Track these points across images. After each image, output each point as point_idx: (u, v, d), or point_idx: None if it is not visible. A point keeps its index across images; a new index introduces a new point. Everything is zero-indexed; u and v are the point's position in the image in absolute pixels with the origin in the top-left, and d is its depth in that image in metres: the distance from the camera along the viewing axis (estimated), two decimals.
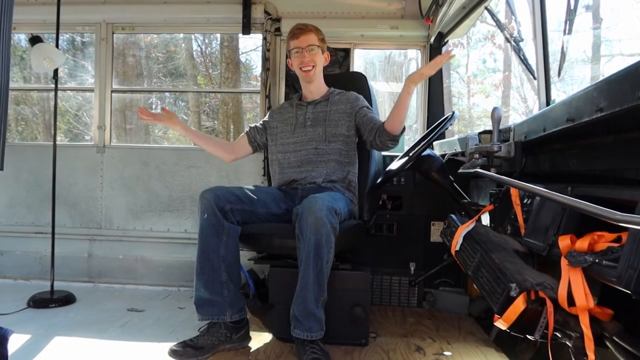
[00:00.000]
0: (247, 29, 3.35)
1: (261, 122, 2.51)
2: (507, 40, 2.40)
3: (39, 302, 2.73)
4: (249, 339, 2.10)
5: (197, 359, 1.92)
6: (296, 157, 2.33)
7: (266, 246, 2.15)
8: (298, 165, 2.32)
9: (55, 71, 2.91)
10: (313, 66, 2.29)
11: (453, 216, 1.84)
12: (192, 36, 8.04)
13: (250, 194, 2.11)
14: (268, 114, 2.54)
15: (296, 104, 2.42)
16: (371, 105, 2.46)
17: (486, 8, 2.63)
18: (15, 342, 2.08)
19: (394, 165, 2.45)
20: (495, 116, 1.65)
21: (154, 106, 8.70)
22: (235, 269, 2.04)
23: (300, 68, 2.30)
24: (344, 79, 2.64)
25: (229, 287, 2.01)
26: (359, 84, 2.53)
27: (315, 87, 2.38)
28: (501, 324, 1.26)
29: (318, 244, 1.83)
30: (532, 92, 8.48)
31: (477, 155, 1.73)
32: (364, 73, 2.67)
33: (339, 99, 2.37)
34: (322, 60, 2.34)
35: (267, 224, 2.14)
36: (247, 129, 2.54)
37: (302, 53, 2.27)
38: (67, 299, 2.81)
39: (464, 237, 1.64)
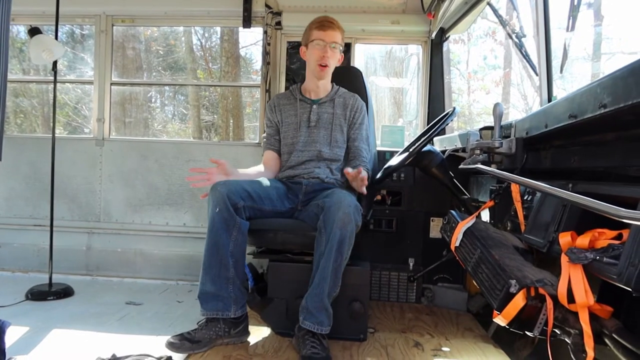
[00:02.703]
0: (247, 23, 3.34)
1: (269, 126, 2.42)
2: (509, 36, 2.39)
3: (37, 294, 2.73)
4: (247, 334, 2.09)
5: (194, 352, 1.92)
6: (298, 157, 2.30)
7: (269, 241, 2.14)
8: (300, 164, 2.30)
9: (55, 63, 2.90)
10: (327, 65, 2.25)
11: (453, 212, 1.84)
12: (192, 29, 7.99)
13: (259, 191, 2.08)
14: (268, 109, 2.43)
15: (299, 100, 2.36)
16: (366, 103, 2.45)
17: (488, 3, 2.62)
18: (13, 335, 2.08)
19: (394, 161, 2.44)
20: (497, 112, 1.65)
21: (153, 100, 8.68)
22: (241, 264, 2.02)
23: (318, 62, 2.24)
24: (341, 73, 2.62)
25: (235, 283, 1.98)
26: (355, 79, 2.51)
27: (323, 84, 2.33)
28: (500, 320, 1.26)
29: (342, 239, 1.83)
30: (532, 89, 8.47)
31: (478, 151, 1.72)
32: (364, 68, 2.66)
33: (344, 103, 2.33)
34: (337, 60, 2.30)
35: (270, 219, 2.13)
36: (263, 141, 2.47)
37: (325, 48, 2.22)
38: (65, 292, 2.81)
39: (464, 233, 1.64)
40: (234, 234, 1.97)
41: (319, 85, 2.33)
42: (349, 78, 2.50)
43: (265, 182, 2.19)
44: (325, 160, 2.28)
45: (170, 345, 1.90)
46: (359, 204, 2.03)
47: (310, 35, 2.25)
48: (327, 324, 1.91)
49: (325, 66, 2.25)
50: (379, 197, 2.94)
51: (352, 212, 1.84)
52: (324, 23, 2.23)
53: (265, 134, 2.46)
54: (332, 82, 2.39)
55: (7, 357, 1.71)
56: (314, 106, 2.33)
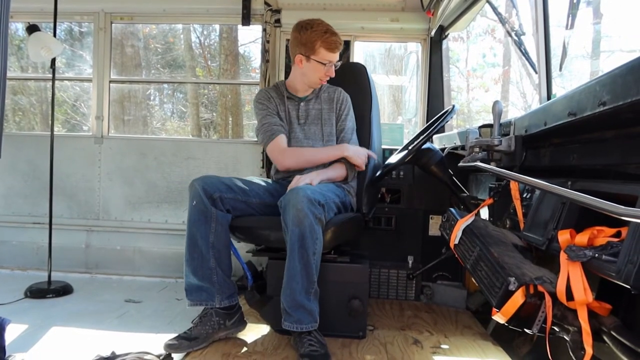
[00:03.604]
0: (246, 20, 3.33)
1: (270, 114, 2.28)
2: (509, 34, 2.39)
3: (36, 292, 2.73)
4: (244, 324, 2.11)
5: (193, 350, 1.92)
6: None
7: (263, 239, 2.14)
8: None
9: (53, 61, 2.89)
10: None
11: (452, 210, 1.83)
12: (191, 27, 7.98)
13: (242, 185, 2.11)
14: (263, 98, 2.31)
15: (287, 97, 2.34)
16: (371, 99, 2.44)
17: (487, 1, 2.61)
18: (12, 333, 2.08)
19: (394, 159, 2.44)
20: (496, 110, 1.64)
21: (152, 97, 8.67)
22: (224, 255, 2.04)
23: (320, 79, 2.26)
24: (344, 70, 2.61)
25: (218, 274, 2.01)
26: (359, 76, 2.50)
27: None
28: (499, 317, 1.26)
29: (302, 235, 1.83)
30: (531, 87, 8.48)
31: (477, 149, 1.72)
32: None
33: (329, 97, 2.34)
34: None
35: (263, 217, 2.13)
36: (267, 129, 2.25)
37: (332, 68, 2.24)
38: (64, 290, 2.81)
39: (463, 231, 1.64)
40: (213, 225, 1.99)
41: (307, 88, 2.35)
42: (352, 74, 2.50)
43: (252, 178, 2.23)
44: None
45: (169, 347, 1.90)
46: (330, 197, 2.03)
47: (317, 53, 2.17)
48: (309, 321, 1.91)
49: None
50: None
51: (305, 207, 1.82)
52: (335, 45, 2.18)
53: (266, 123, 2.25)
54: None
55: (6, 355, 1.71)
56: (302, 103, 2.34)
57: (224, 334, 2.03)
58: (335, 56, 2.22)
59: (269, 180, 2.33)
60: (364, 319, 2.16)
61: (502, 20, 2.58)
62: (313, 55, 2.19)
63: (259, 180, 2.23)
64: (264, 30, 3.33)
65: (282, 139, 2.23)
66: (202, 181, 2.01)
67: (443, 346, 2.09)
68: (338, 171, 2.23)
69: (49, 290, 2.76)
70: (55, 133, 2.92)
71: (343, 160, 2.23)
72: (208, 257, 1.99)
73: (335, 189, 2.15)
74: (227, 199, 2.03)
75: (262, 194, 2.17)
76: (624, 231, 1.02)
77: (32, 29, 2.80)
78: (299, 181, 2.03)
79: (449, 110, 2.22)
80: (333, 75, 2.26)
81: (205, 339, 1.98)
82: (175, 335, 1.97)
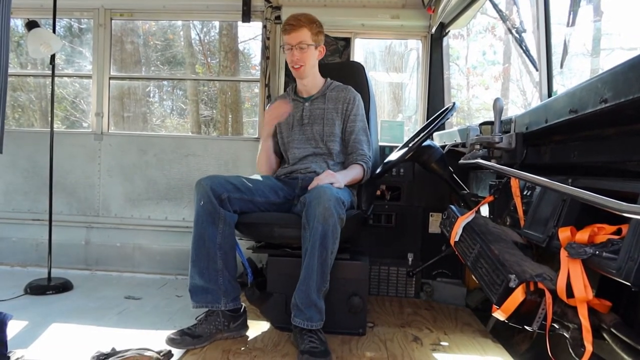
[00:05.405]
0: (246, 17, 3.33)
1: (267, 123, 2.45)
2: (509, 31, 2.38)
3: (36, 288, 2.73)
4: (246, 328, 2.10)
5: (195, 347, 1.92)
6: (293, 155, 2.32)
7: (266, 235, 2.14)
8: (297, 161, 2.32)
9: (52, 57, 2.88)
10: (301, 65, 2.23)
11: (453, 207, 1.84)
12: (191, 24, 7.97)
13: (248, 183, 2.10)
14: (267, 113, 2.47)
15: (292, 99, 2.38)
16: (369, 98, 2.44)
17: None
18: (12, 329, 2.07)
19: (394, 156, 2.44)
20: (497, 107, 1.64)
21: (151, 94, 8.66)
22: (231, 257, 2.03)
23: (291, 65, 2.26)
24: (342, 68, 2.61)
25: (224, 275, 2.00)
26: (357, 74, 2.49)
27: (309, 82, 2.33)
28: (499, 314, 1.26)
29: (325, 234, 1.83)
30: (531, 84, 8.47)
31: (477, 146, 1.72)
32: (364, 63, 2.64)
33: (337, 96, 2.31)
34: (314, 56, 2.27)
35: (266, 213, 2.13)
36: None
37: (292, 51, 2.21)
38: (64, 286, 2.81)
39: (464, 228, 1.64)
40: (221, 226, 1.98)
41: (305, 84, 2.34)
42: (350, 73, 2.49)
43: (257, 177, 2.22)
44: (321, 155, 2.29)
45: (171, 342, 1.90)
46: (347, 197, 2.04)
47: (281, 40, 2.28)
48: (318, 319, 1.91)
49: (300, 67, 2.24)
50: (378, 192, 2.94)
51: (332, 206, 1.83)
52: (287, 27, 2.20)
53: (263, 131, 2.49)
54: (326, 77, 2.39)
55: (8, 350, 1.71)
56: (306, 104, 2.34)
57: (226, 335, 2.03)
58: (292, 37, 2.19)
59: (272, 178, 2.32)
60: (363, 316, 2.16)
61: (503, 18, 2.57)
62: (282, 46, 2.29)
63: (263, 178, 2.23)
64: (264, 27, 3.32)
65: (263, 146, 2.41)
66: (210, 181, 1.98)
67: (443, 343, 2.10)
68: (358, 172, 2.21)
69: (48, 287, 2.76)
70: (55, 130, 2.92)
71: (361, 162, 2.22)
72: (215, 258, 1.98)
73: (346, 188, 2.15)
74: (234, 199, 2.02)
75: (267, 192, 2.16)
76: (625, 229, 1.02)
77: (31, 25, 2.79)
78: (322, 181, 1.98)
79: (450, 108, 2.21)
80: (298, 58, 2.21)
81: (207, 338, 1.97)
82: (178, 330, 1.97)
